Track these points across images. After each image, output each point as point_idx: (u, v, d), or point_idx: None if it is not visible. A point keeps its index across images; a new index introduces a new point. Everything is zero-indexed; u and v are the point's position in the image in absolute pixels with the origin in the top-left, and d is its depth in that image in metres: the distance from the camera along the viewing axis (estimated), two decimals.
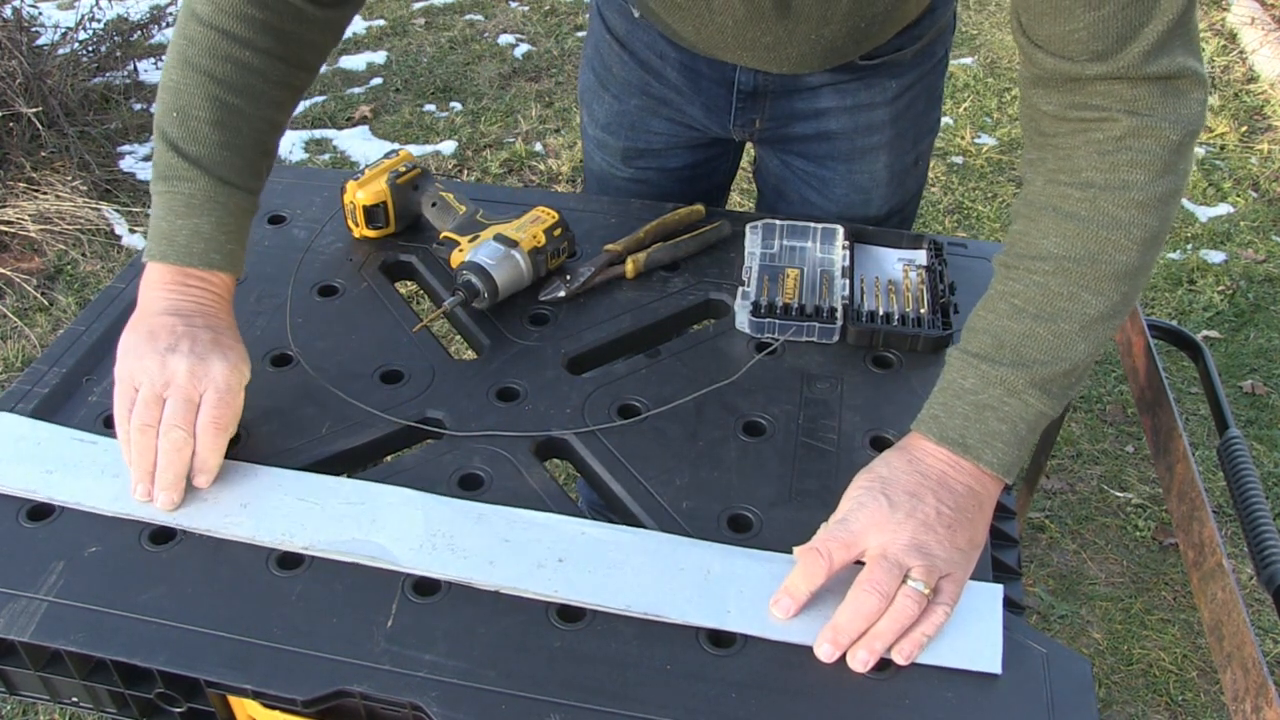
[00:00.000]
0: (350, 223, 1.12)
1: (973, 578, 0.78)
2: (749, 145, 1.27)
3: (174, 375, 0.81)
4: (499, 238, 1.03)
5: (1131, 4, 0.70)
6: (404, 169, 1.11)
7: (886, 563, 0.73)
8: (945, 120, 3.18)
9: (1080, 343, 0.77)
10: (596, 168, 1.31)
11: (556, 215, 1.07)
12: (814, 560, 0.74)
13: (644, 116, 1.22)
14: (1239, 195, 2.88)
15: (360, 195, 1.09)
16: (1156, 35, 0.71)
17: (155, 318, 0.84)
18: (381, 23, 3.80)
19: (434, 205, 1.10)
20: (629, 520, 0.86)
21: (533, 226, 1.05)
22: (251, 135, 0.90)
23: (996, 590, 0.77)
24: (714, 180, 1.32)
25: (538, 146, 3.03)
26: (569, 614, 0.76)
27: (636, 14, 1.12)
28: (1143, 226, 0.76)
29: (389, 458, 0.93)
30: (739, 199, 2.77)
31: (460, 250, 1.04)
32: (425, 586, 0.78)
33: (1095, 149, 0.76)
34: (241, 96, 0.88)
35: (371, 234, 1.11)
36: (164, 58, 0.92)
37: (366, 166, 1.11)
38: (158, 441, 0.81)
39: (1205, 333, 2.44)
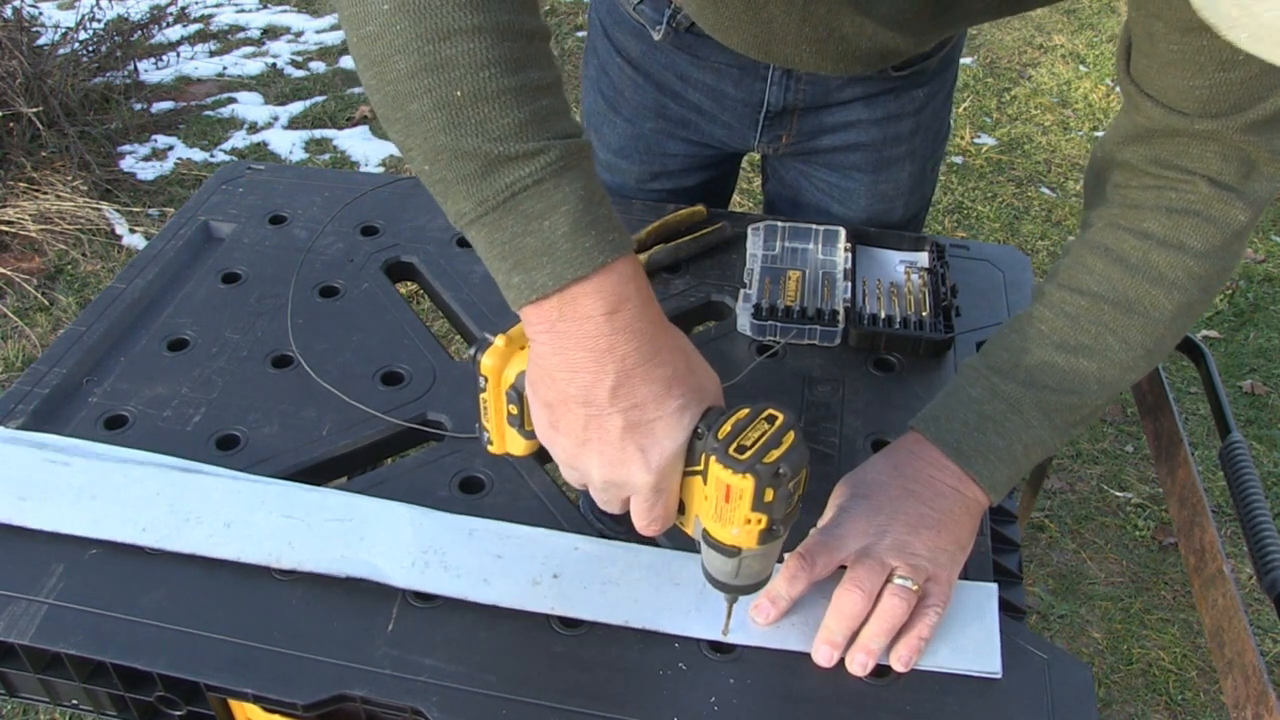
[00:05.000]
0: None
1: (971, 579, 0.78)
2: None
3: (591, 484, 0.66)
4: None
5: (1263, 75, 0.69)
6: None
7: (870, 561, 0.73)
8: None
9: (1094, 383, 0.77)
10: (608, 185, 1.28)
11: None
12: (796, 566, 0.74)
13: (660, 139, 1.19)
14: None
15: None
16: (1273, 110, 0.70)
17: (569, 407, 0.63)
18: None
19: None
20: (629, 523, 0.86)
21: None
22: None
23: (991, 589, 0.77)
24: (725, 192, 1.31)
25: None
26: (569, 620, 0.76)
27: (657, 37, 1.09)
28: (1184, 292, 0.76)
29: (389, 460, 0.93)
30: (739, 199, 2.77)
31: None
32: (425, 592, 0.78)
33: (1165, 205, 0.76)
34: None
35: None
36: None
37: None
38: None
39: (1205, 333, 2.44)
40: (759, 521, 0.62)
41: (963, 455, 0.77)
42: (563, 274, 0.58)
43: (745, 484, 0.60)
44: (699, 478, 0.63)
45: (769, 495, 0.60)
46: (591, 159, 0.62)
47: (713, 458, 0.61)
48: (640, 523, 0.66)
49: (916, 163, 1.18)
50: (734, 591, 0.69)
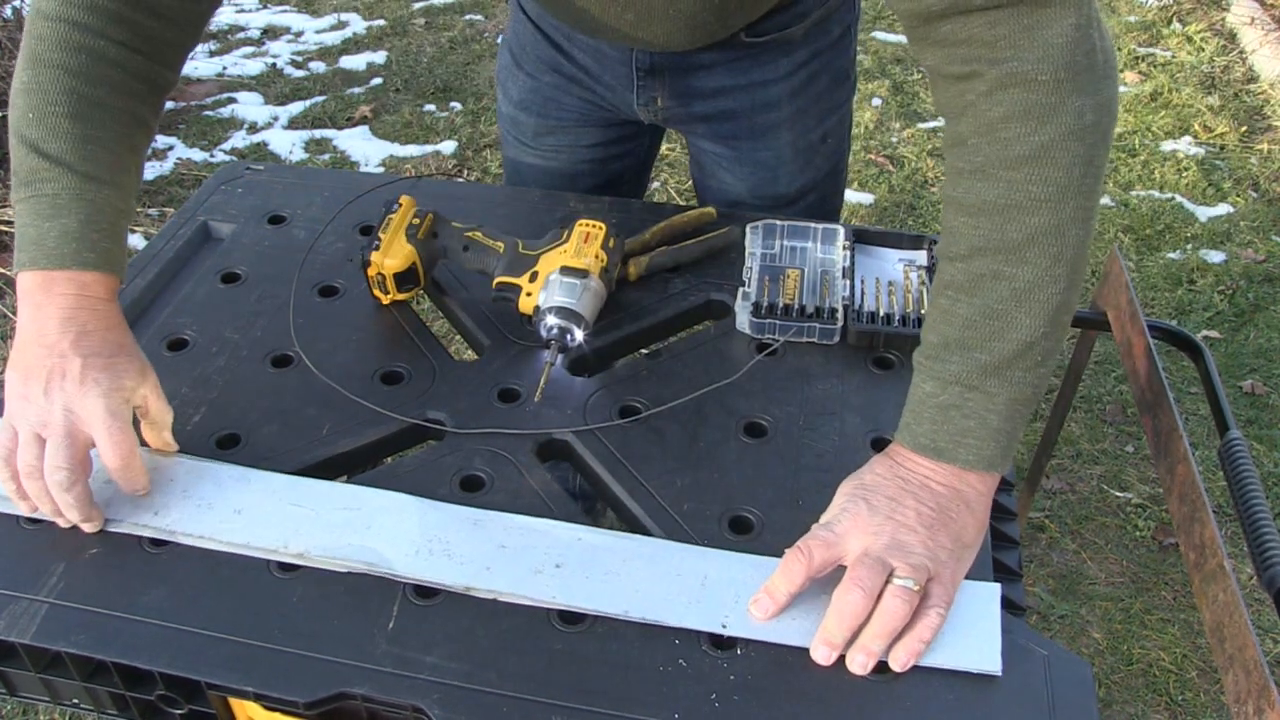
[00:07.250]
0: (377, 292, 1.02)
1: (971, 578, 0.78)
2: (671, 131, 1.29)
3: (50, 418, 0.78)
4: (566, 270, 0.96)
5: None
6: (417, 219, 1.01)
7: (869, 559, 0.73)
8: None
9: (1020, 315, 0.74)
10: (511, 151, 1.33)
11: (604, 226, 1.01)
12: (794, 560, 0.74)
13: (556, 94, 1.24)
14: (1239, 195, 2.88)
15: (389, 263, 0.99)
16: None
17: (28, 349, 0.79)
18: (381, 23, 3.79)
19: (466, 249, 1.01)
20: (629, 521, 0.86)
21: (588, 246, 0.99)
22: (115, 128, 0.84)
23: (994, 589, 0.77)
24: (626, 163, 1.33)
25: None
26: (569, 616, 0.76)
27: None
28: (1041, 181, 0.71)
29: (389, 459, 0.93)
30: None
31: (528, 295, 0.97)
32: (426, 589, 0.78)
33: (972, 111, 0.73)
34: (100, 87, 0.82)
35: (403, 296, 1.03)
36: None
37: (379, 230, 1.00)
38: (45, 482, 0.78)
39: (1205, 333, 2.44)
40: None
41: (943, 453, 0.76)
42: (40, 262, 0.80)
43: None
44: None
45: None
46: (111, 203, 0.83)
47: None
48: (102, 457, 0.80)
49: (796, 132, 1.20)
50: None
